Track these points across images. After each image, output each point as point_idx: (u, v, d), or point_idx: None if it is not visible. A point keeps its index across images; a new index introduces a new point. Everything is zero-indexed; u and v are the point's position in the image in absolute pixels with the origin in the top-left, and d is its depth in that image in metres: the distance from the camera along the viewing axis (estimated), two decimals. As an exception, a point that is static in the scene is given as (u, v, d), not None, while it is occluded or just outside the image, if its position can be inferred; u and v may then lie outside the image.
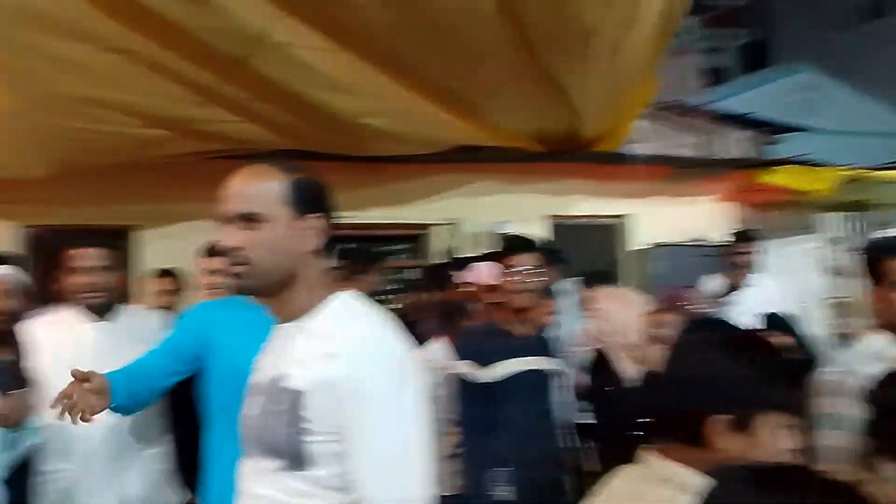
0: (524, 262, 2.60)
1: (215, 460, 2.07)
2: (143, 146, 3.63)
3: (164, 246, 4.84)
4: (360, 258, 3.87)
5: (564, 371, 2.82)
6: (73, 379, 1.68)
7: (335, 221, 1.36)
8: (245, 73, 3.07)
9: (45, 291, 3.07)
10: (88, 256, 2.44)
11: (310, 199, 1.33)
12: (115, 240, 4.65)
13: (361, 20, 2.87)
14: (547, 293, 3.18)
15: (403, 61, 3.25)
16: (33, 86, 2.99)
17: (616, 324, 2.93)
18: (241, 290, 1.33)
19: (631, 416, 2.56)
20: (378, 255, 4.91)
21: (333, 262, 2.68)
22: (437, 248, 5.75)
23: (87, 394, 1.69)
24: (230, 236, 1.29)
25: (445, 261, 5.16)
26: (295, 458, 1.24)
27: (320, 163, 4.73)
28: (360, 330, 1.29)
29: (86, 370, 1.84)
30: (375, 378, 1.22)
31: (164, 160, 3.97)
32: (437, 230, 5.79)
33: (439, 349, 3.24)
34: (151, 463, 2.49)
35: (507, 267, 2.64)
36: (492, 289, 4.03)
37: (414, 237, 5.87)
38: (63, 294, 2.56)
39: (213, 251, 3.00)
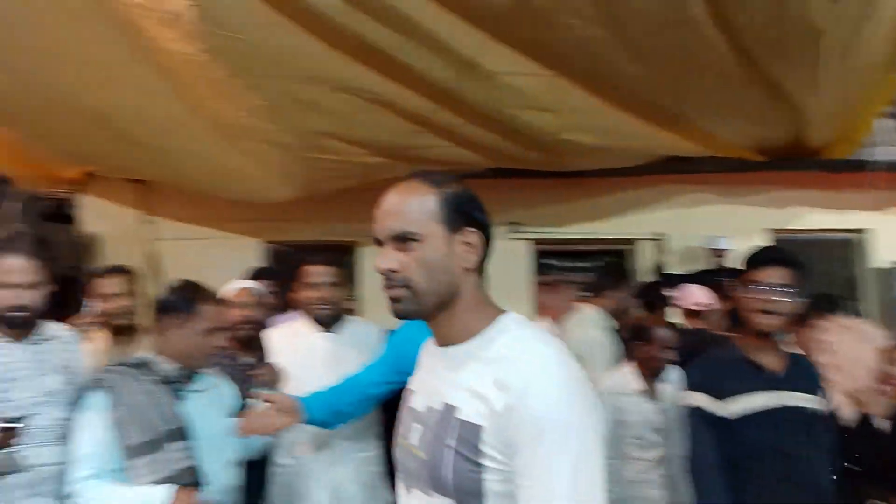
0: (773, 278, 2.18)
1: None
2: (367, 172, 3.99)
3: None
4: (610, 273, 3.84)
5: (824, 409, 2.28)
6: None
7: (492, 235, 1.26)
8: (455, 99, 3.25)
9: (283, 301, 3.48)
10: (320, 273, 2.70)
11: (464, 213, 1.23)
12: (342, 255, 5.17)
13: (568, 41, 2.90)
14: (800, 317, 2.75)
15: (610, 78, 3.23)
16: (287, 123, 3.42)
17: (846, 361, 2.53)
18: (401, 315, 1.23)
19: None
20: (626, 272, 4.82)
21: (541, 277, 2.59)
22: (643, 264, 5.57)
23: (275, 413, 2.00)
24: (386, 258, 1.21)
25: (655, 279, 4.98)
26: (467, 497, 1.14)
27: (522, 179, 4.91)
28: (543, 358, 1.15)
29: (312, 377, 2.18)
30: (560, 413, 1.10)
31: (382, 183, 4.30)
32: (642, 245, 5.60)
33: (628, 374, 3.15)
34: (365, 465, 2.66)
35: (752, 283, 2.22)
36: (696, 313, 3.82)
37: (618, 253, 5.74)
38: (297, 304, 2.87)
39: None
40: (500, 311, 1.25)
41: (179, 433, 2.05)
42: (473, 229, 1.23)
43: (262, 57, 2.91)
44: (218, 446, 2.15)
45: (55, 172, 4.98)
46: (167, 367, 2.13)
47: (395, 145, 3.67)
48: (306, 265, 2.72)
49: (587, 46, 2.92)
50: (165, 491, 1.94)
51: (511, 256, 5.29)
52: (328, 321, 2.72)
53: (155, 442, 2.01)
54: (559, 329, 3.80)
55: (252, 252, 5.33)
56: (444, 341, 1.26)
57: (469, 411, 1.15)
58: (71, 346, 2.36)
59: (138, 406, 2.03)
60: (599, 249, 5.71)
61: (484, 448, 1.12)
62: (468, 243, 1.23)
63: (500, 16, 2.70)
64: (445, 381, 1.22)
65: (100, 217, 5.28)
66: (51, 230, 5.07)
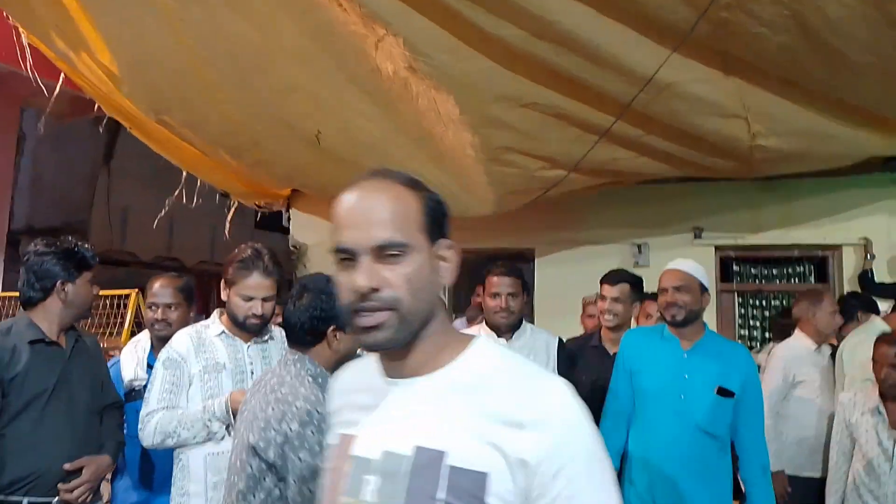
0: None
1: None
2: (547, 185, 4.11)
3: (556, 269, 5.35)
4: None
5: None
6: None
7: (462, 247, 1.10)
8: (637, 112, 3.27)
9: (468, 305, 3.71)
10: (503, 284, 2.85)
11: (442, 220, 1.06)
12: (523, 262, 5.34)
13: (757, 49, 2.82)
14: None
15: (804, 82, 3.08)
16: (479, 138, 3.64)
17: None
18: (384, 346, 1.02)
19: None
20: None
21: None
22: (849, 272, 5.13)
23: None
24: (366, 274, 0.99)
25: (861, 288, 4.60)
26: None
27: (707, 183, 4.75)
28: (552, 384, 0.99)
29: None
30: (587, 453, 0.96)
31: (560, 195, 4.41)
32: (846, 251, 5.16)
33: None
34: None
35: None
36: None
37: (819, 259, 5.34)
38: (482, 310, 3.06)
39: (611, 279, 3.25)
40: (467, 338, 1.07)
41: None
42: (449, 241, 1.07)
43: (456, 77, 3.15)
44: None
45: (269, 190, 5.66)
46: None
47: (577, 158, 3.74)
48: (491, 275, 2.88)
49: (777, 53, 2.81)
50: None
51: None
52: (506, 329, 2.87)
53: None
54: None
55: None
56: (405, 371, 1.04)
57: (466, 456, 0.94)
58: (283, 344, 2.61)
59: None
60: (797, 257, 5.36)
61: (490, 500, 0.93)
62: (445, 257, 1.06)
63: (684, 31, 2.70)
64: (413, 419, 1.00)
65: (305, 227, 5.89)
66: (268, 240, 5.76)
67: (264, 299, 2.42)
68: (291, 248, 5.86)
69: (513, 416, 0.95)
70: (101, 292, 3.99)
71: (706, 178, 4.53)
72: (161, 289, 2.92)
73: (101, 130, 5.71)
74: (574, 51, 2.87)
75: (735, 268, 5.49)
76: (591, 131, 3.52)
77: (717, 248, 5.24)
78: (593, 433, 0.98)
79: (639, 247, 5.21)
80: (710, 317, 5.00)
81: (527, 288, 2.94)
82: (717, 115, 3.34)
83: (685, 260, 2.71)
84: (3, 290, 7.68)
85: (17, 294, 2.44)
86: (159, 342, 2.75)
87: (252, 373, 2.42)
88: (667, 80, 3.01)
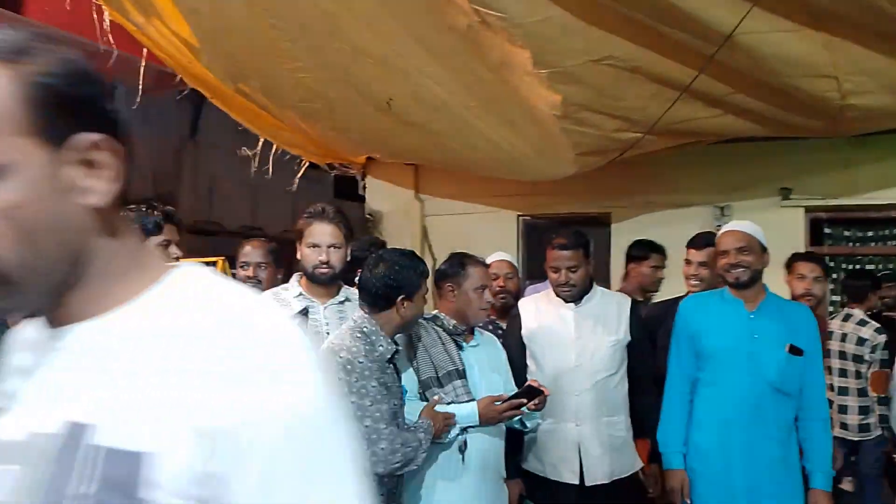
0: None
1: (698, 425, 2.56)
2: (624, 146, 3.99)
3: (633, 234, 5.21)
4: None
5: None
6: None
7: (128, 136, 0.73)
8: (720, 67, 3.11)
9: (534, 272, 3.69)
10: (561, 259, 2.81)
11: (75, 103, 0.68)
12: (597, 227, 5.24)
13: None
14: None
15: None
16: (556, 97, 3.57)
17: None
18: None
19: None
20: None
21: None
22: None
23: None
24: None
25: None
26: None
27: (795, 141, 4.50)
28: (272, 337, 0.68)
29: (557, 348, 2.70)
30: (317, 410, 0.68)
31: (637, 156, 4.27)
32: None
33: None
34: (609, 429, 2.75)
35: None
36: None
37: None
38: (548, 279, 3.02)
39: (698, 243, 3.17)
40: (164, 267, 0.75)
41: (460, 373, 2.43)
42: (95, 136, 0.68)
43: (530, 30, 3.07)
44: (486, 393, 2.45)
45: (345, 158, 5.75)
46: (450, 322, 2.51)
47: (655, 117, 3.61)
48: (550, 248, 2.85)
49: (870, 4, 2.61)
50: (472, 405, 2.38)
51: (784, 226, 4.88)
52: (574, 297, 2.84)
53: (442, 378, 2.40)
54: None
55: (509, 225, 5.63)
56: (63, 318, 0.71)
57: (126, 431, 0.65)
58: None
59: (431, 349, 2.43)
60: (894, 217, 5.03)
61: (154, 495, 0.63)
62: (92, 162, 0.69)
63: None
64: (67, 384, 0.69)
65: (380, 195, 5.98)
66: (345, 208, 5.87)
67: (330, 247, 2.50)
68: (367, 216, 5.96)
69: (206, 370, 0.65)
70: (191, 260, 4.21)
71: (794, 137, 4.29)
72: (252, 250, 3.23)
73: (193, 100, 5.92)
74: (651, 4, 2.75)
75: (826, 230, 5.22)
76: (670, 86, 3.38)
77: (806, 209, 4.98)
78: (328, 399, 0.69)
79: (721, 209, 5.00)
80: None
81: (590, 255, 2.88)
82: (804, 74, 3.15)
83: (742, 221, 2.75)
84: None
85: None
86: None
87: (327, 333, 2.47)
88: (748, 32, 2.84)
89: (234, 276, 3.28)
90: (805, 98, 3.36)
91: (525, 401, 2.42)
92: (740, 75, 3.22)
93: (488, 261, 3.34)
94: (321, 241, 2.49)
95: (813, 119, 3.65)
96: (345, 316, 2.57)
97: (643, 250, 3.57)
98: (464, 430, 2.37)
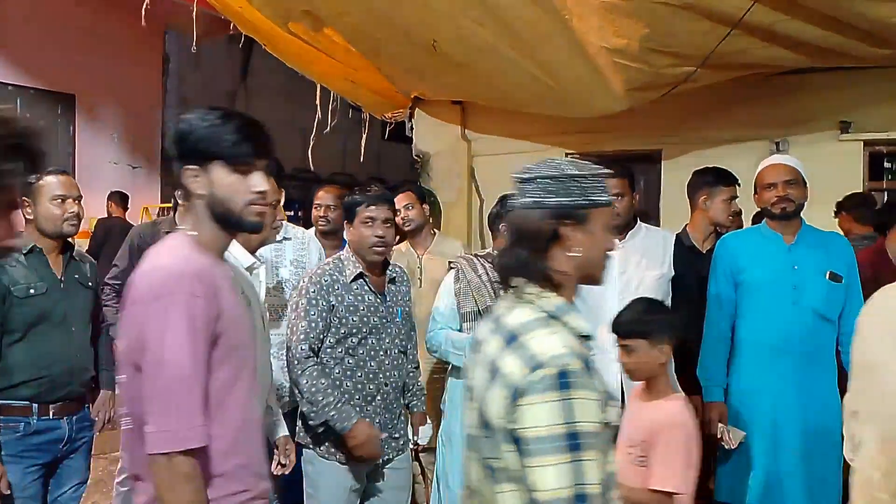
0: None
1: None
2: (675, 81, 3.92)
3: (685, 171, 5.14)
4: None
5: None
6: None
7: None
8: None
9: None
10: (612, 186, 2.88)
11: None
12: (647, 164, 5.19)
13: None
14: None
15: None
16: (598, 34, 3.53)
17: None
18: None
19: None
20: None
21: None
22: None
23: None
24: None
25: None
26: None
27: (854, 72, 4.32)
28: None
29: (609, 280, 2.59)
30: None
31: (689, 90, 4.19)
32: None
33: None
34: None
35: None
36: None
37: None
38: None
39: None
40: None
41: None
42: None
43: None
44: None
45: (395, 97, 5.78)
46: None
47: (705, 52, 3.52)
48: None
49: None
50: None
51: (842, 161, 4.74)
52: (616, 230, 2.88)
53: (483, 311, 2.56)
54: None
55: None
56: None
57: None
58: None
59: (473, 283, 2.55)
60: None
61: None
62: None
63: None
64: None
65: (428, 135, 6.00)
66: (395, 151, 5.95)
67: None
68: (415, 158, 6.01)
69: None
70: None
71: (853, 67, 4.12)
72: (325, 194, 3.81)
73: (244, 45, 6.01)
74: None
75: (886, 164, 5.04)
76: (724, 22, 3.29)
77: (865, 143, 4.81)
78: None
79: (777, 144, 4.86)
80: (857, 217, 4.68)
81: (634, 188, 2.93)
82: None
83: (782, 155, 2.89)
84: (161, 203, 8.53)
85: (172, 206, 2.92)
86: (322, 236, 3.69)
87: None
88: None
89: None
90: (866, 24, 3.22)
91: None
92: (796, 3, 3.10)
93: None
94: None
95: (875, 47, 3.50)
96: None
97: (715, 178, 3.28)
98: None
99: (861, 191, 4.61)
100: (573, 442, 1.23)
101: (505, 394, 1.30)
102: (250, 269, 2.34)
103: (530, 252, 1.40)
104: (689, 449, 2.02)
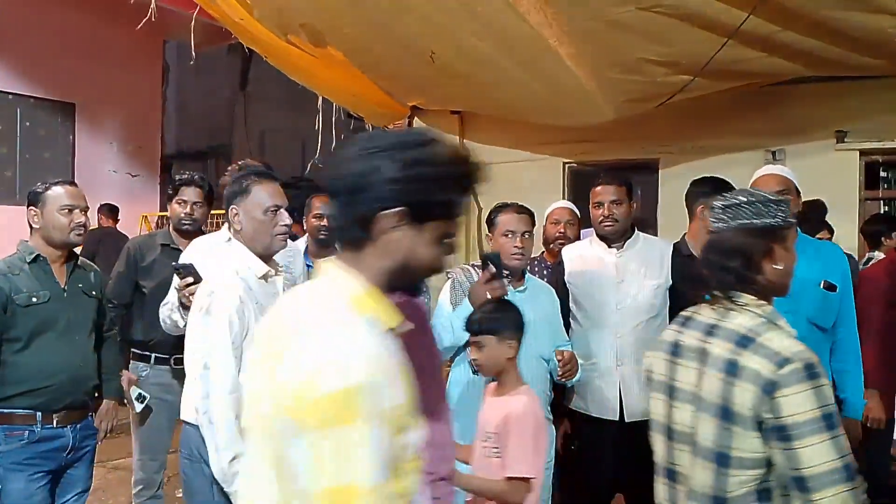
0: None
1: None
2: (672, 90, 3.95)
3: (682, 181, 5.17)
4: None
5: None
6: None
7: None
8: (770, 7, 3.04)
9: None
10: (605, 193, 2.92)
11: None
12: (644, 173, 5.21)
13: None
14: None
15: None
16: (597, 46, 3.56)
17: None
18: None
19: None
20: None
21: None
22: None
23: None
24: None
25: None
26: None
27: (850, 82, 4.35)
28: None
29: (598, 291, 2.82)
30: None
31: (685, 101, 4.22)
32: None
33: None
34: None
35: None
36: None
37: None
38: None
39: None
40: None
41: None
42: None
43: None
44: (531, 339, 2.55)
45: (394, 107, 5.82)
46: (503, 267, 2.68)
47: (702, 61, 3.56)
48: (594, 186, 2.96)
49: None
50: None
51: (838, 170, 4.77)
52: (614, 238, 2.90)
53: None
54: None
55: (555, 173, 5.64)
56: None
57: None
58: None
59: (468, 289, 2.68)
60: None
61: None
62: None
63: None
64: None
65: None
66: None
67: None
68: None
69: None
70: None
71: (849, 77, 4.16)
72: (320, 202, 3.59)
73: (243, 54, 6.04)
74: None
75: (882, 173, 5.08)
76: (720, 32, 3.32)
77: (861, 152, 4.85)
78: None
79: (773, 153, 4.90)
80: (853, 225, 4.71)
81: (633, 197, 2.95)
82: (861, 9, 3.05)
83: (774, 165, 2.91)
84: (160, 211, 8.54)
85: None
86: (321, 247, 3.50)
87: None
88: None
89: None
90: (861, 35, 3.26)
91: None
92: (794, 14, 3.13)
93: (549, 208, 3.66)
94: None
95: (871, 57, 3.53)
96: None
97: (712, 188, 3.21)
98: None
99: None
100: (829, 422, 1.47)
101: (754, 388, 1.51)
102: (265, 276, 2.31)
103: (745, 266, 1.64)
104: (538, 437, 2.13)
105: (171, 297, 2.80)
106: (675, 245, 3.04)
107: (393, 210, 1.13)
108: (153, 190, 8.86)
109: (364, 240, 1.14)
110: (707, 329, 1.67)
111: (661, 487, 1.77)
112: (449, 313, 2.75)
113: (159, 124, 9.03)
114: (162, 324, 2.94)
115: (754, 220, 1.64)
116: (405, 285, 1.24)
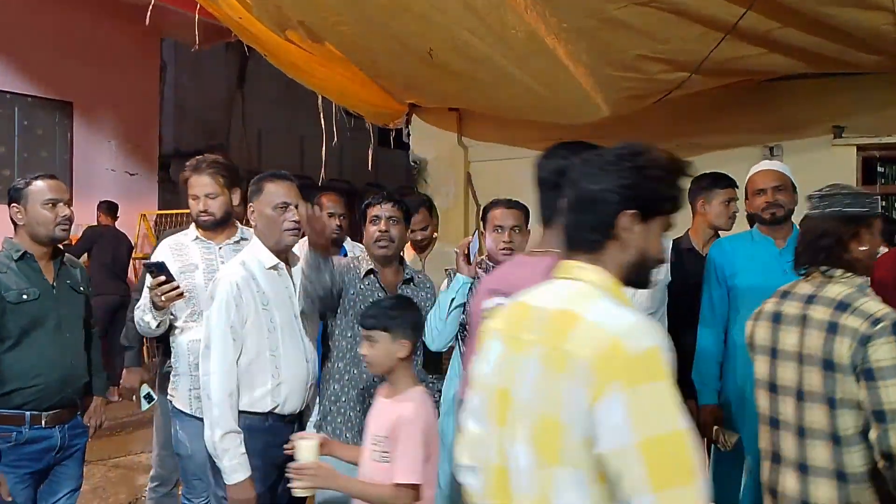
0: None
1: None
2: (668, 88, 3.96)
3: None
4: None
5: None
6: None
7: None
8: (766, 2, 3.04)
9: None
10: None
11: None
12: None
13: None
14: None
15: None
16: (594, 44, 3.56)
17: None
18: None
19: None
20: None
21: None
22: None
23: None
24: None
25: None
26: None
27: (847, 78, 4.36)
28: None
29: None
30: None
31: (682, 98, 4.23)
32: None
33: None
34: None
35: None
36: None
37: None
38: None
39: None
40: None
41: None
42: None
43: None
44: None
45: (392, 106, 5.82)
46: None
47: (699, 58, 3.56)
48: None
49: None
50: None
51: (835, 166, 4.78)
52: None
53: None
54: None
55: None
56: None
57: None
58: None
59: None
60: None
61: None
62: None
63: None
64: None
65: (424, 141, 6.04)
66: (390, 157, 5.95)
67: (207, 196, 2.81)
68: (412, 164, 6.04)
69: None
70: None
71: (846, 73, 4.16)
72: (333, 203, 3.52)
73: (241, 52, 6.02)
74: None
75: (880, 169, 5.08)
76: (716, 27, 3.33)
77: (858, 147, 4.86)
78: None
79: (771, 149, 4.91)
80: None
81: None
82: (856, 6, 3.05)
83: (771, 161, 3.00)
84: (158, 209, 8.54)
85: (170, 212, 2.94)
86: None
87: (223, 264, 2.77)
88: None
89: None
90: (856, 31, 3.27)
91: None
92: (790, 11, 3.14)
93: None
94: (199, 192, 2.79)
95: (866, 53, 3.54)
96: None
97: (711, 182, 3.28)
98: None
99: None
100: None
101: (850, 342, 1.82)
102: (275, 268, 2.44)
103: (838, 245, 1.94)
104: (428, 442, 2.07)
105: (144, 298, 2.73)
106: (674, 241, 3.04)
107: (629, 212, 1.30)
108: (152, 188, 8.84)
109: (603, 242, 1.31)
110: (806, 298, 1.97)
111: (764, 435, 2.05)
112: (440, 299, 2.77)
113: (157, 123, 9.01)
114: (136, 327, 2.86)
115: (846, 209, 1.93)
116: (640, 278, 1.37)
